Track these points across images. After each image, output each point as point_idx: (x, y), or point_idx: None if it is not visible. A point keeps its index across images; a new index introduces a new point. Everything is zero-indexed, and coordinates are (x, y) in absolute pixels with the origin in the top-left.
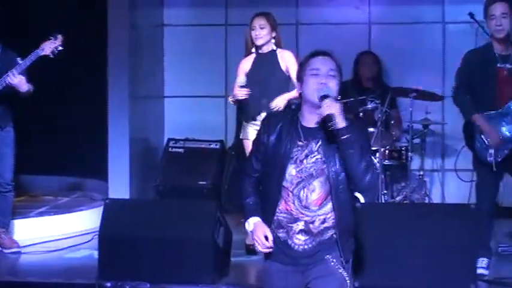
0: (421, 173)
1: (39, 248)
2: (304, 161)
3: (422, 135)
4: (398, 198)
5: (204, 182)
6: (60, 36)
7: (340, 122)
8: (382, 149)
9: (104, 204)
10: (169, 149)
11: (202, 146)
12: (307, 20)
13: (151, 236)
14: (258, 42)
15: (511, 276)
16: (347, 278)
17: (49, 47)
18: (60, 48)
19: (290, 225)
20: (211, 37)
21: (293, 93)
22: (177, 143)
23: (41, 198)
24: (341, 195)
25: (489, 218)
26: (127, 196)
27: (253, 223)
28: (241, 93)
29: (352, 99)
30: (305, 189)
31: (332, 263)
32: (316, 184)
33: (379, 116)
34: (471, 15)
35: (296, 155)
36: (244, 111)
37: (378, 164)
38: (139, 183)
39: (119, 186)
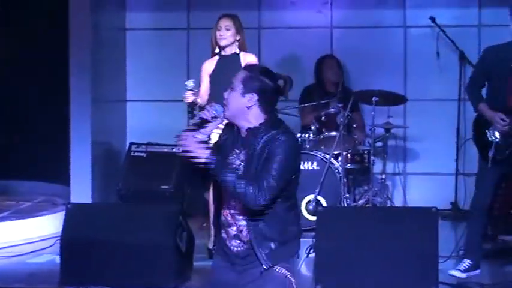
0: (383, 176)
1: (0, 254)
2: (236, 169)
3: (384, 138)
4: (360, 202)
5: (166, 186)
6: None
7: (201, 155)
8: (345, 153)
9: (66, 209)
10: (132, 153)
11: (165, 150)
12: (270, 24)
13: (114, 241)
14: (222, 43)
15: (473, 280)
16: (288, 274)
17: None
18: None
19: (228, 229)
20: (174, 41)
21: None
22: (139, 147)
23: (2, 203)
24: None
25: (480, 219)
26: (89, 200)
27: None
28: (188, 96)
29: (314, 102)
30: (235, 198)
31: (268, 264)
32: None
33: (341, 119)
34: (432, 19)
35: (231, 161)
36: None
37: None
38: (101, 187)
39: (81, 191)
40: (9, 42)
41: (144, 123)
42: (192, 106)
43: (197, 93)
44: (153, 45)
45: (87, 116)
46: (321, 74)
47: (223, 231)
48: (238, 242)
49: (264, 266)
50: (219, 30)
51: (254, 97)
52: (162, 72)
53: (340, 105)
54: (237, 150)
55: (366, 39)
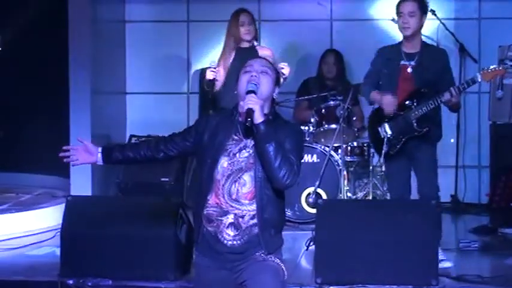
0: (383, 169)
1: (0, 246)
2: (237, 155)
3: None
4: (360, 194)
5: (166, 179)
6: None
7: (258, 118)
8: (344, 146)
9: (66, 201)
10: None
11: None
12: (270, 17)
13: (114, 233)
14: (248, 38)
15: (473, 273)
16: (281, 264)
17: None
18: None
19: (220, 218)
20: (173, 33)
21: None
22: (139, 140)
23: (2, 195)
24: (266, 191)
25: None
26: (89, 193)
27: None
28: (209, 73)
29: (314, 95)
30: (236, 184)
31: (261, 257)
32: (247, 178)
33: (341, 112)
34: (432, 11)
35: (230, 147)
36: (219, 103)
37: (298, 167)
38: (101, 179)
39: (81, 183)
40: (8, 35)
41: (144, 116)
42: (212, 83)
43: (217, 72)
44: (153, 38)
45: (86, 109)
46: (320, 68)
47: (210, 224)
48: (234, 233)
49: (261, 254)
50: (242, 25)
51: (276, 90)
52: (161, 65)
53: (340, 98)
54: (235, 137)
55: (366, 32)
